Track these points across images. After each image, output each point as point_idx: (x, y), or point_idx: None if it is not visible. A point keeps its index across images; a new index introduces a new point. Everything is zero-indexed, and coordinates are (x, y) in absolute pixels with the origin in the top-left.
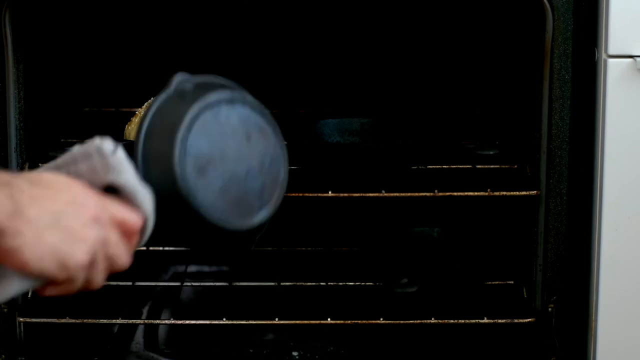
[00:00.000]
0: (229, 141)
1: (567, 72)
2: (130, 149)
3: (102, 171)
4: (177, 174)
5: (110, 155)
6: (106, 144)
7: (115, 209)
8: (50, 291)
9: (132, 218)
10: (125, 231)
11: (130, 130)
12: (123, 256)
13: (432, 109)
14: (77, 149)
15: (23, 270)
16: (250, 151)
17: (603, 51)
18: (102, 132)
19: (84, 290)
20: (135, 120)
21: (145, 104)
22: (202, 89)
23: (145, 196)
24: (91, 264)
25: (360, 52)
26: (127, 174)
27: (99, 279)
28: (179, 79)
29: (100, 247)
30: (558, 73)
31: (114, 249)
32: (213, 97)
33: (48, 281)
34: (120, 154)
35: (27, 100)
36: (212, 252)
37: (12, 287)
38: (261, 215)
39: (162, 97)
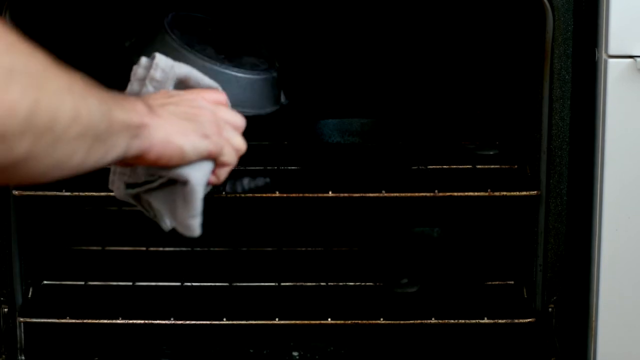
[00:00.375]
0: None
1: (567, 72)
2: None
3: (165, 76)
4: None
5: (157, 61)
6: (143, 60)
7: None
8: (220, 173)
9: (221, 97)
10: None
11: None
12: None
13: (433, 109)
14: (132, 83)
15: (183, 159)
16: None
17: (603, 51)
18: None
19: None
20: None
21: None
22: None
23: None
24: (220, 132)
25: (360, 52)
26: (181, 66)
27: (238, 141)
28: None
29: (219, 120)
30: (558, 73)
31: (224, 115)
32: None
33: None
34: (160, 57)
35: None
36: None
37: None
38: None
39: None
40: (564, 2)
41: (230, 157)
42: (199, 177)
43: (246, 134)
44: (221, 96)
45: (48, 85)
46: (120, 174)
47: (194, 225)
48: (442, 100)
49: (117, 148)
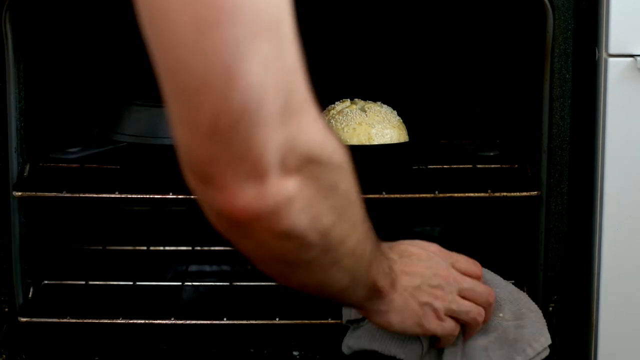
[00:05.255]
0: None
1: (567, 71)
2: None
3: None
4: None
5: None
6: None
7: (459, 261)
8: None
9: (472, 267)
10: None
11: None
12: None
13: (432, 109)
14: None
15: (388, 329)
16: None
17: (604, 50)
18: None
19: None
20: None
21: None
22: None
23: None
24: (441, 318)
25: (360, 52)
26: None
27: (449, 329)
28: None
29: (448, 302)
30: (559, 72)
31: (473, 298)
32: None
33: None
34: None
35: (27, 100)
36: None
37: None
38: None
39: None
40: (565, 1)
41: (448, 339)
42: (401, 353)
43: None
44: (476, 268)
45: (350, 212)
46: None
47: None
48: (442, 99)
49: (357, 295)
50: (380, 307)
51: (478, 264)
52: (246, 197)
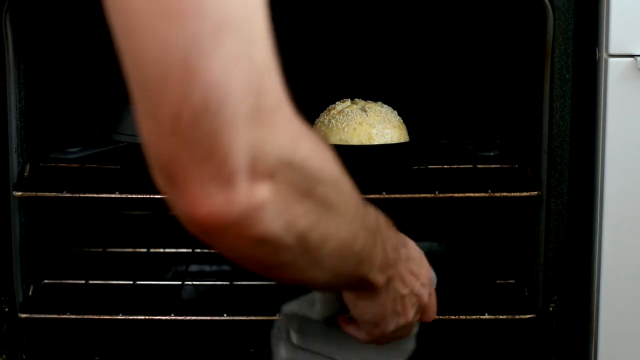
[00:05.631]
0: None
1: (567, 71)
2: None
3: None
4: None
5: None
6: None
7: (433, 300)
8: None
9: (434, 314)
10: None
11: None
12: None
13: (433, 109)
14: None
15: (358, 320)
16: None
17: (604, 50)
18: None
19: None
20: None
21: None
22: None
23: None
24: (395, 332)
25: (359, 51)
26: None
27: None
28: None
29: (410, 324)
30: (559, 72)
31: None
32: None
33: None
34: None
35: (28, 100)
36: None
37: None
38: None
39: None
40: (565, 1)
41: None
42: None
43: None
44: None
45: (332, 215)
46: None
47: None
48: (442, 99)
49: (342, 287)
50: (363, 300)
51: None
52: (212, 202)
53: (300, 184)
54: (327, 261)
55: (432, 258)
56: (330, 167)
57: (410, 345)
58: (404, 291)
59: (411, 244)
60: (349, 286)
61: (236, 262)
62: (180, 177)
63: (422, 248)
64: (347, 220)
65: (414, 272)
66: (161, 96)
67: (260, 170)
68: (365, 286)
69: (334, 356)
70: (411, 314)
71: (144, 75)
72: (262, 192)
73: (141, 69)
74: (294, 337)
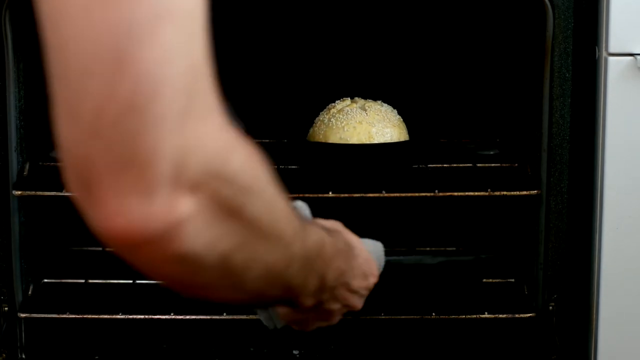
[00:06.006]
0: None
1: (567, 70)
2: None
3: None
4: None
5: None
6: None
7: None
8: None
9: (375, 278)
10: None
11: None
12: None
13: (433, 108)
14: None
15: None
16: None
17: (604, 49)
18: None
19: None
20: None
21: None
22: None
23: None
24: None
25: (360, 51)
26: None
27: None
28: None
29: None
30: (559, 71)
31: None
32: None
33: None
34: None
35: (27, 99)
36: None
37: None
38: None
39: None
40: (565, 0)
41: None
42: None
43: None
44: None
45: (258, 238)
46: None
47: None
48: (442, 98)
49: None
50: (294, 310)
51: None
52: (128, 215)
53: (228, 200)
54: (251, 285)
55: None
56: (264, 186)
57: None
58: (335, 307)
59: (358, 251)
60: (272, 303)
61: (151, 278)
62: (96, 184)
63: (422, 248)
64: (281, 245)
65: (353, 289)
66: (84, 90)
67: (185, 181)
68: (290, 304)
69: None
70: (337, 319)
71: (69, 65)
72: (185, 206)
73: (66, 59)
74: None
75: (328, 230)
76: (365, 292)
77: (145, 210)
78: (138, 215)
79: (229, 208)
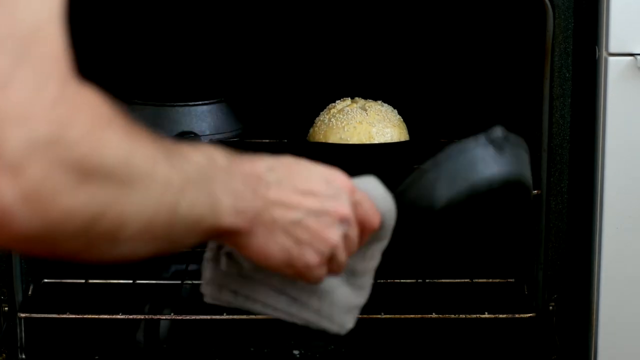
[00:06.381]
0: None
1: (567, 70)
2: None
3: None
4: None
5: None
6: None
7: (364, 205)
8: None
9: (374, 219)
10: (362, 230)
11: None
12: (354, 250)
13: (433, 108)
14: None
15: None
16: None
17: (604, 49)
18: None
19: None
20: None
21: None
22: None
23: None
24: (322, 262)
25: (360, 51)
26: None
27: (322, 273)
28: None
29: (337, 247)
30: (559, 71)
31: (349, 245)
32: None
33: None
34: None
35: None
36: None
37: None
38: None
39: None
40: (565, 0)
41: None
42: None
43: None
44: (376, 220)
45: (133, 193)
46: None
47: None
48: (442, 98)
49: (192, 242)
50: (238, 241)
51: (378, 218)
52: None
53: (73, 168)
54: (142, 237)
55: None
56: (114, 142)
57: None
58: (294, 215)
59: (286, 162)
60: (199, 242)
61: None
62: None
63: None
64: (157, 192)
65: (302, 190)
66: None
67: (5, 159)
68: (225, 236)
69: (253, 295)
70: (333, 233)
71: None
72: (6, 187)
73: None
74: (223, 262)
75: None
76: (332, 191)
77: None
78: None
79: (76, 175)
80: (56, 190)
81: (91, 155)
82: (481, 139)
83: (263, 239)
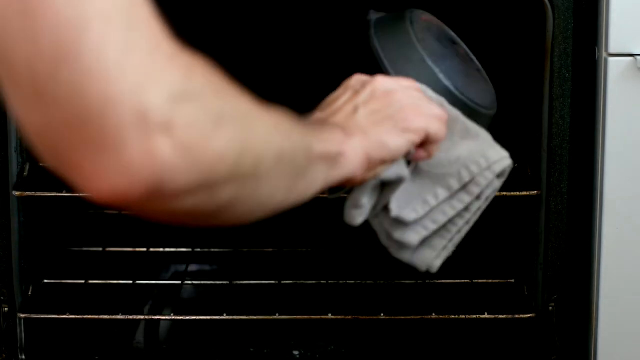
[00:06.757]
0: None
1: (567, 71)
2: None
3: None
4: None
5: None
6: None
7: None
8: (431, 149)
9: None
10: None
11: None
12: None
13: None
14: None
15: (389, 164)
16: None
17: (604, 50)
18: None
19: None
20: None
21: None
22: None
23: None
24: (419, 111)
25: (358, 51)
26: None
27: (439, 111)
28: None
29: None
30: (559, 72)
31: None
32: None
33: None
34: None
35: None
36: None
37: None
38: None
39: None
40: (565, 0)
41: (438, 131)
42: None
43: None
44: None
45: (255, 128)
46: None
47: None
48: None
49: (317, 182)
50: (352, 162)
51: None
52: (106, 175)
53: (210, 118)
54: (276, 170)
55: None
56: (227, 86)
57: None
58: (377, 105)
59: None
60: (323, 177)
61: (180, 223)
62: (64, 154)
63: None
64: (271, 127)
65: (378, 96)
66: (10, 58)
67: (154, 121)
68: (334, 162)
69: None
70: (413, 101)
71: None
72: (164, 147)
73: None
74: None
75: None
76: (397, 86)
77: (124, 165)
78: (120, 177)
79: (212, 120)
80: (204, 136)
81: (218, 99)
82: None
83: (363, 146)
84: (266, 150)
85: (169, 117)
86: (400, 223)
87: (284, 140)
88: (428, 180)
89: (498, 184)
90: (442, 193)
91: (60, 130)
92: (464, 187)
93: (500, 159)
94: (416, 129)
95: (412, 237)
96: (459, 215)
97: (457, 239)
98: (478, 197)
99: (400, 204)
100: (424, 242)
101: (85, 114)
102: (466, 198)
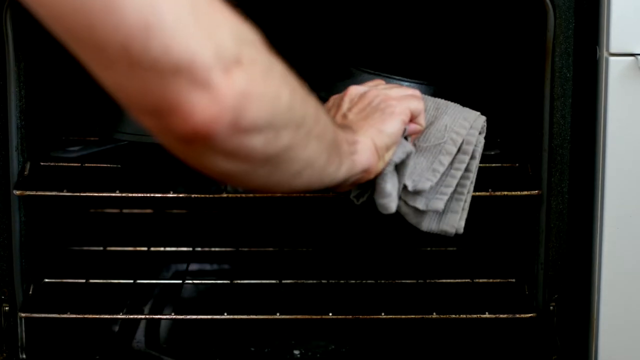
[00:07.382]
0: None
1: (568, 70)
2: None
3: None
4: None
5: None
6: None
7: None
8: (420, 120)
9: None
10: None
11: None
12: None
13: None
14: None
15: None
16: None
17: (604, 49)
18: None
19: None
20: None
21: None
22: None
23: None
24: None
25: (358, 51)
26: None
27: (411, 91)
28: None
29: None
30: (559, 71)
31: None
32: None
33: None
34: None
35: (28, 99)
36: None
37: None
38: None
39: None
40: (565, 0)
41: (418, 106)
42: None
43: None
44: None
45: (294, 83)
46: None
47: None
48: (442, 98)
49: (343, 166)
50: (364, 149)
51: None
52: (202, 108)
53: (263, 58)
54: (316, 129)
55: (432, 258)
56: (262, 46)
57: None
58: (360, 105)
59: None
60: (345, 157)
61: (237, 176)
62: (161, 101)
63: (422, 247)
64: (304, 91)
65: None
66: (98, 39)
67: (228, 58)
68: (352, 147)
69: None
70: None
71: (71, 27)
72: (240, 79)
73: (65, 22)
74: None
75: None
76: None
77: (213, 97)
78: (210, 104)
79: (267, 63)
80: (263, 73)
81: (264, 47)
82: None
83: (366, 138)
84: (307, 108)
85: (238, 54)
86: (421, 196)
87: (317, 107)
88: (428, 153)
89: (482, 139)
90: (445, 158)
91: (157, 86)
92: (460, 149)
93: (477, 117)
94: (401, 110)
95: (438, 203)
96: (464, 176)
97: (469, 198)
98: (473, 156)
99: (414, 179)
100: (445, 208)
101: (176, 67)
102: (464, 157)
